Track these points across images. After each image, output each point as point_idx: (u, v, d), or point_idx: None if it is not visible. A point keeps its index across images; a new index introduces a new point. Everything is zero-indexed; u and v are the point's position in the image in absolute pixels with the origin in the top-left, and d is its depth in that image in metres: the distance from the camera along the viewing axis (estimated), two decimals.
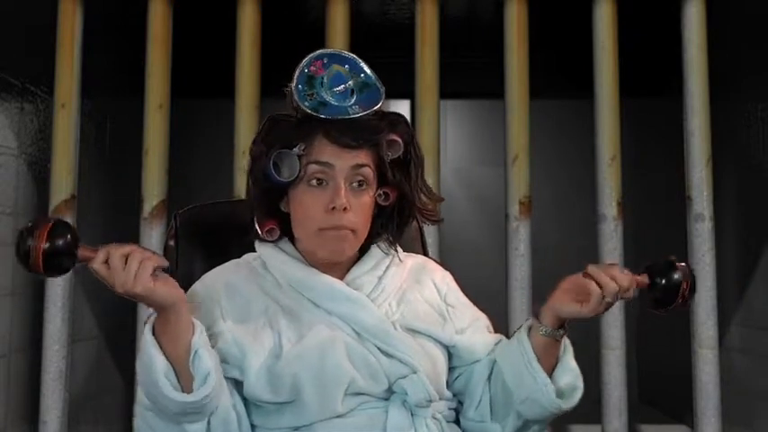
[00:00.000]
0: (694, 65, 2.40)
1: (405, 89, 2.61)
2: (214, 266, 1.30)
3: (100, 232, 3.01)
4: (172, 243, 1.40)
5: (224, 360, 1.16)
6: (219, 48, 2.63)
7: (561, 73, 3.66)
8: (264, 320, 1.19)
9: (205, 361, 1.10)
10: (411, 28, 2.47)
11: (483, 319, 1.36)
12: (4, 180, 2.48)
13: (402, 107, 4.11)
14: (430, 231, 2.36)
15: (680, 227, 2.44)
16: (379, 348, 1.19)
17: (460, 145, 4.37)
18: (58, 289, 2.31)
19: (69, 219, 2.34)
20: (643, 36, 3.22)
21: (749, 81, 2.91)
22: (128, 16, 2.80)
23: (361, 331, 1.20)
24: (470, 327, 1.32)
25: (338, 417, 1.15)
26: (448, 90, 2.51)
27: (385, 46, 3.42)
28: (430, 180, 2.34)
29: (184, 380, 1.10)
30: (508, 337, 1.33)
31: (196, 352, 1.10)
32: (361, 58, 1.25)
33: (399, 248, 1.34)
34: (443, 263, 1.44)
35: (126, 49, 2.86)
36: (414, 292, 1.30)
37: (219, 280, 1.24)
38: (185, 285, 1.32)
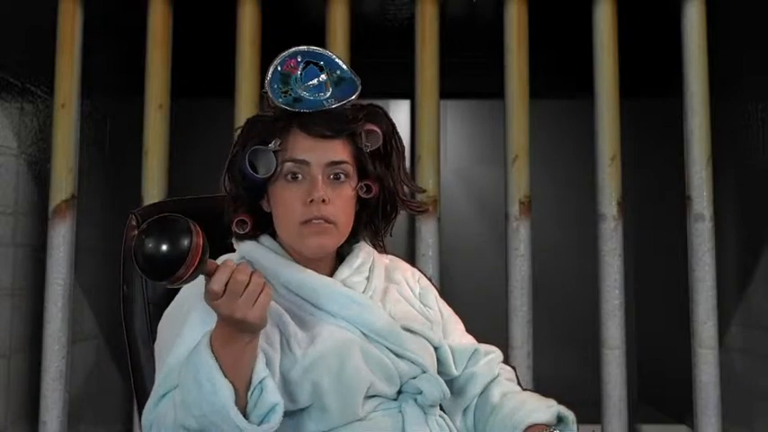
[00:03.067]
0: (694, 65, 2.40)
1: (405, 89, 2.62)
2: None
3: (100, 232, 3.01)
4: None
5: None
6: (219, 48, 2.63)
7: (561, 73, 3.66)
8: (272, 323, 1.15)
9: (271, 392, 1.03)
10: (411, 28, 2.47)
11: (460, 323, 1.37)
12: (4, 180, 2.48)
13: (402, 107, 4.12)
14: (430, 231, 2.36)
15: (680, 227, 2.44)
16: (389, 349, 1.19)
17: (460, 145, 4.37)
18: (58, 289, 2.31)
19: (69, 219, 2.34)
20: (643, 36, 3.22)
21: (749, 81, 2.91)
22: (128, 16, 2.79)
23: (369, 333, 1.19)
24: (452, 332, 1.33)
25: (358, 420, 1.14)
26: (448, 90, 2.51)
27: (385, 46, 3.42)
28: (430, 180, 2.36)
29: (239, 402, 1.03)
30: (489, 341, 1.35)
31: (261, 381, 1.03)
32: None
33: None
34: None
35: (126, 49, 2.86)
36: (393, 292, 1.29)
37: None
38: (152, 289, 1.28)
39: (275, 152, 1.18)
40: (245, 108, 2.36)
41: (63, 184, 2.36)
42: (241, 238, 1.24)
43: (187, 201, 1.46)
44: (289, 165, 1.18)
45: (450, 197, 4.02)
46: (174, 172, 2.51)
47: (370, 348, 1.17)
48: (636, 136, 3.75)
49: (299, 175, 1.18)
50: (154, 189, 2.37)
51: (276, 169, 1.18)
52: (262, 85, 1.25)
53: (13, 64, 2.51)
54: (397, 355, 1.19)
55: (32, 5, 2.54)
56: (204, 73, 3.32)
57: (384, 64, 3.28)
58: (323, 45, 2.35)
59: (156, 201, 2.34)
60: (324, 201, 1.16)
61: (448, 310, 1.37)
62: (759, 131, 2.83)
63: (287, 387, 1.12)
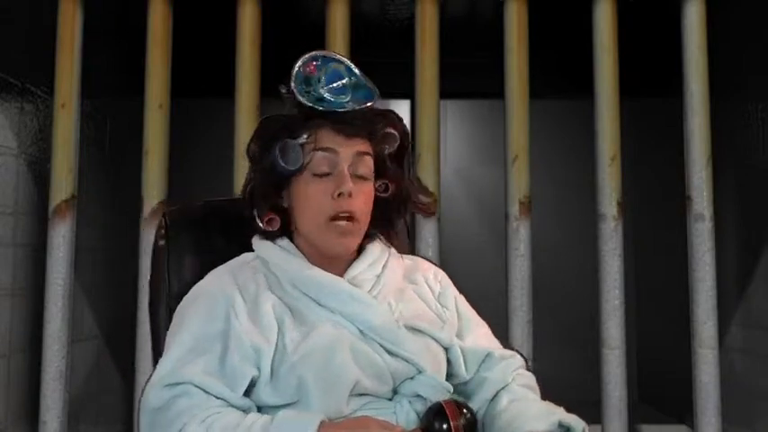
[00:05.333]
0: (694, 65, 2.40)
1: (405, 89, 2.61)
2: (204, 264, 1.30)
3: (100, 232, 3.01)
4: (162, 243, 1.39)
5: (242, 361, 1.15)
6: (219, 48, 2.63)
7: (561, 73, 3.66)
8: (272, 320, 1.18)
9: None
10: (411, 28, 2.47)
11: (483, 326, 1.36)
12: (4, 180, 2.48)
13: (402, 107, 4.11)
14: (430, 231, 2.36)
15: (680, 227, 2.44)
16: (384, 348, 1.19)
17: (460, 145, 4.37)
18: (58, 289, 2.31)
19: (69, 219, 2.34)
20: (643, 36, 3.22)
21: (749, 81, 2.91)
22: (128, 16, 2.80)
23: (366, 331, 1.20)
24: (469, 334, 1.33)
25: (343, 418, 1.14)
26: (448, 90, 2.51)
27: (385, 46, 3.42)
28: (430, 180, 2.36)
29: None
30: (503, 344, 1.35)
31: None
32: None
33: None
34: (443, 263, 1.45)
35: (126, 49, 2.86)
36: (410, 291, 1.30)
37: (228, 279, 1.23)
38: (176, 284, 1.34)
39: (302, 145, 1.22)
40: (245, 108, 2.36)
41: (63, 184, 2.35)
42: (264, 236, 1.27)
43: (218, 202, 1.51)
44: (318, 154, 1.22)
45: (450, 197, 4.02)
46: (174, 172, 2.51)
47: (362, 346, 1.18)
48: (636, 136, 3.75)
49: (326, 169, 1.22)
50: (154, 189, 2.36)
51: (303, 162, 1.21)
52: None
53: (13, 64, 2.51)
54: (391, 353, 1.19)
55: (32, 5, 2.54)
56: (204, 73, 3.32)
57: (384, 64, 3.26)
58: (323, 45, 2.36)
59: (159, 200, 2.35)
60: (350, 195, 1.20)
61: (469, 312, 1.37)
62: (759, 131, 2.83)
63: (275, 382, 1.14)
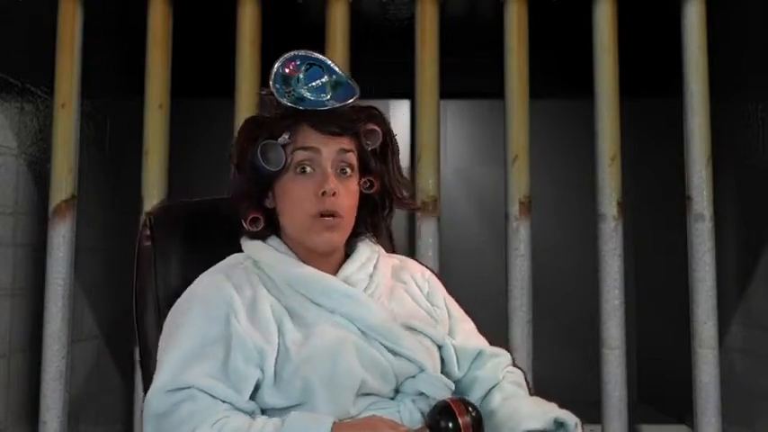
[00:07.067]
0: (694, 65, 2.41)
1: (405, 89, 2.61)
2: (192, 266, 1.28)
3: (100, 232, 3.01)
4: (148, 244, 1.35)
5: (246, 363, 1.13)
6: (219, 48, 2.63)
7: (561, 73, 3.66)
8: (271, 321, 1.17)
9: None
10: (411, 28, 2.47)
11: (469, 322, 1.37)
12: (4, 180, 2.48)
13: (402, 107, 4.11)
14: (430, 231, 2.36)
15: (680, 227, 2.44)
16: (385, 347, 1.19)
17: (460, 145, 4.36)
18: (58, 289, 2.31)
19: (69, 219, 2.34)
20: (643, 36, 3.22)
21: (749, 81, 2.91)
22: (128, 16, 2.80)
23: (366, 330, 1.19)
24: (459, 332, 1.33)
25: (349, 419, 1.14)
26: (448, 90, 2.51)
27: (385, 46, 3.42)
28: (430, 180, 2.36)
29: None
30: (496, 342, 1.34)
31: None
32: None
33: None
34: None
35: (126, 49, 2.86)
36: (400, 290, 1.30)
37: (223, 281, 1.21)
38: (164, 287, 1.32)
39: (284, 145, 1.21)
40: (245, 108, 2.36)
41: (63, 184, 2.36)
42: (253, 236, 1.26)
43: (203, 201, 1.48)
44: (300, 153, 1.22)
45: (450, 197, 4.01)
46: (174, 172, 2.51)
47: (365, 346, 1.18)
48: (636, 136, 3.75)
49: (309, 168, 1.22)
50: (154, 189, 2.37)
51: (286, 161, 1.21)
52: (262, 87, 1.27)
53: (13, 64, 2.51)
54: (393, 352, 1.19)
55: (32, 5, 2.54)
56: (204, 73, 3.32)
57: (384, 64, 3.28)
58: (323, 45, 2.36)
59: (159, 200, 2.35)
60: (334, 194, 1.20)
61: (457, 311, 1.37)
62: (759, 131, 2.83)
63: (279, 384, 1.13)
